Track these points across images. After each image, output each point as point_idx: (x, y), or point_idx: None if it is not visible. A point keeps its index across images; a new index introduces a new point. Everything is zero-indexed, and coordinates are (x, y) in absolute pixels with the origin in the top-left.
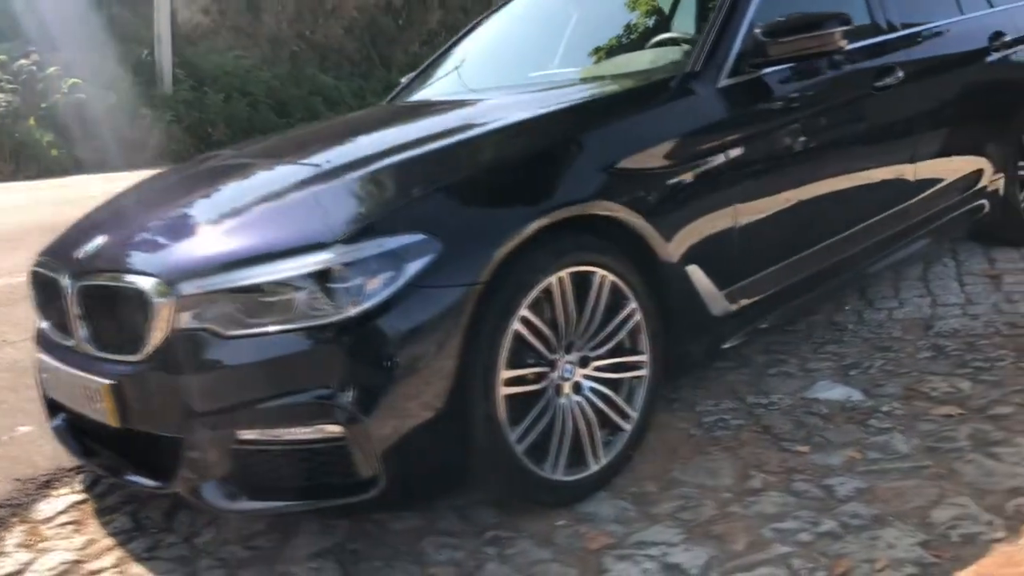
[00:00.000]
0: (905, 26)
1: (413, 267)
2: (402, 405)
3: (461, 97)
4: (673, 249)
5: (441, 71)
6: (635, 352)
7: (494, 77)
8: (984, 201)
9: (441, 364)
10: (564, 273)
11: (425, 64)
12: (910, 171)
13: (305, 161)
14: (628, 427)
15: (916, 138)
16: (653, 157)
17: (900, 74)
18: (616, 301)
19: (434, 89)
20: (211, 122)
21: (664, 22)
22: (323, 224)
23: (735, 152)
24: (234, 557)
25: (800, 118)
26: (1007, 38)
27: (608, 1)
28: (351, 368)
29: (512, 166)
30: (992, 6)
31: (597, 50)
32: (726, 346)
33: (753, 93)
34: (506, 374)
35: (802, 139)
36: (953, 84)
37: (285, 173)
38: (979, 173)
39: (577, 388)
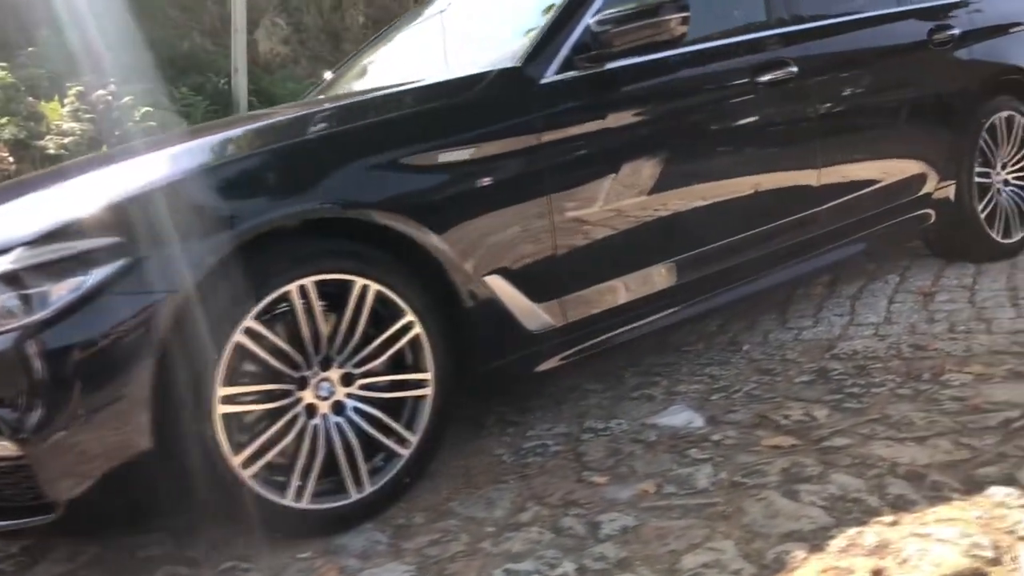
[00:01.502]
0: (812, 18)
1: (102, 272)
2: (86, 423)
3: (322, 97)
4: (467, 257)
5: (354, 69)
6: (417, 370)
7: (382, 77)
8: (929, 210)
9: (135, 379)
10: (308, 281)
11: (345, 60)
12: (813, 176)
13: (92, 166)
14: (405, 452)
15: (822, 139)
16: (440, 156)
17: (793, 68)
18: (389, 313)
19: (330, 91)
20: None
21: None
22: (25, 226)
23: (556, 152)
24: None
25: (651, 115)
26: (954, 31)
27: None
28: (29, 381)
29: (239, 165)
30: None
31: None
32: (551, 365)
33: (590, 88)
34: (225, 391)
35: (651, 138)
36: (877, 81)
37: (68, 175)
38: (920, 179)
39: (339, 408)
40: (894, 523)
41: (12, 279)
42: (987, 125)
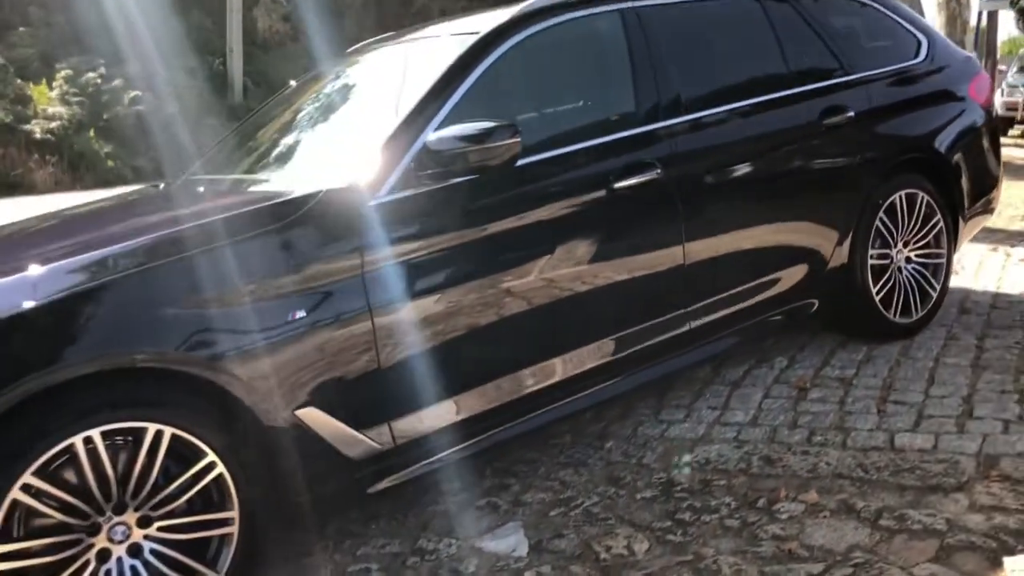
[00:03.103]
0: (687, 109)
1: None
2: None
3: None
4: (277, 393)
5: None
6: (222, 508)
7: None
8: (812, 300)
9: None
10: (95, 432)
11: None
12: (679, 281)
13: None
14: None
15: (688, 244)
16: (246, 290)
17: (657, 170)
18: (190, 453)
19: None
20: None
21: None
22: None
23: (382, 276)
24: None
25: (494, 229)
26: (849, 113)
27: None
28: None
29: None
30: (848, 72)
31: None
32: (383, 486)
33: (426, 205)
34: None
35: (492, 252)
36: (756, 173)
37: None
38: (805, 269)
39: (135, 550)
40: None
41: None
42: (885, 206)
